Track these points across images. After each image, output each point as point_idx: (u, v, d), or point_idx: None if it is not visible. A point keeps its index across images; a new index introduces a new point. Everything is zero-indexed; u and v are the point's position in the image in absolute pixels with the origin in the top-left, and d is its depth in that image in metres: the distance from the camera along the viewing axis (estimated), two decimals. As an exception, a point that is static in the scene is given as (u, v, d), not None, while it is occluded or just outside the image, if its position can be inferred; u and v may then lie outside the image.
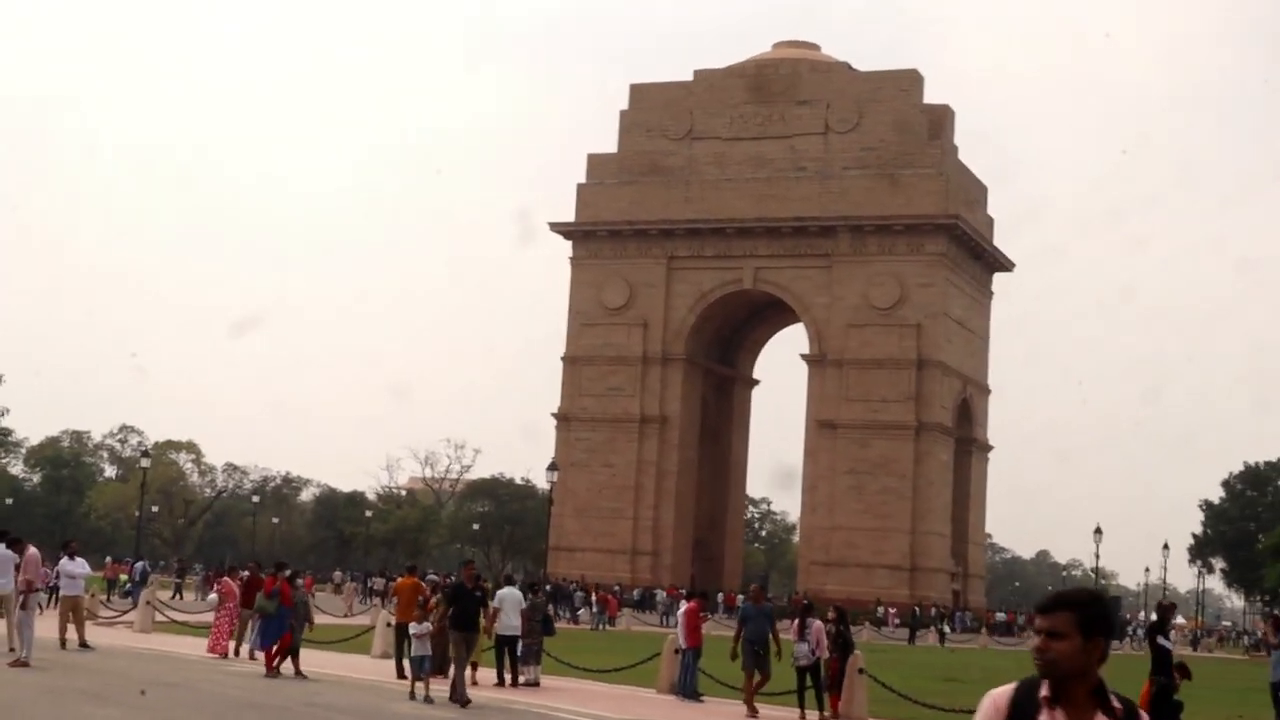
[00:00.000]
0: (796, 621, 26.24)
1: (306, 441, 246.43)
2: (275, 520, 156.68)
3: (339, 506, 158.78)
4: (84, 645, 31.73)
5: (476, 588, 26.65)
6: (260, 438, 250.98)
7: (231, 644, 33.10)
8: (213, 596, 35.11)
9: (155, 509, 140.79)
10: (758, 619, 26.77)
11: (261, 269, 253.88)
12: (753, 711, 25.52)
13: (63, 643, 31.57)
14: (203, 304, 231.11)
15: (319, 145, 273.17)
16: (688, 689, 28.14)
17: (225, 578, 36.78)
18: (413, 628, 26.37)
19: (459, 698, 24.29)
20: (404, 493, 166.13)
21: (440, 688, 25.27)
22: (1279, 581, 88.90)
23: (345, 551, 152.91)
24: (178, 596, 64.43)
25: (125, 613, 46.47)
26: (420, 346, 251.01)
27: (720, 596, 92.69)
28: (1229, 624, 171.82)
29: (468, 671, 29.59)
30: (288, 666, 28.52)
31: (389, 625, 34.62)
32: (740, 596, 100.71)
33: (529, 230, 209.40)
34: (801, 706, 25.59)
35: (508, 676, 29.06)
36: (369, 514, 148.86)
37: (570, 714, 23.79)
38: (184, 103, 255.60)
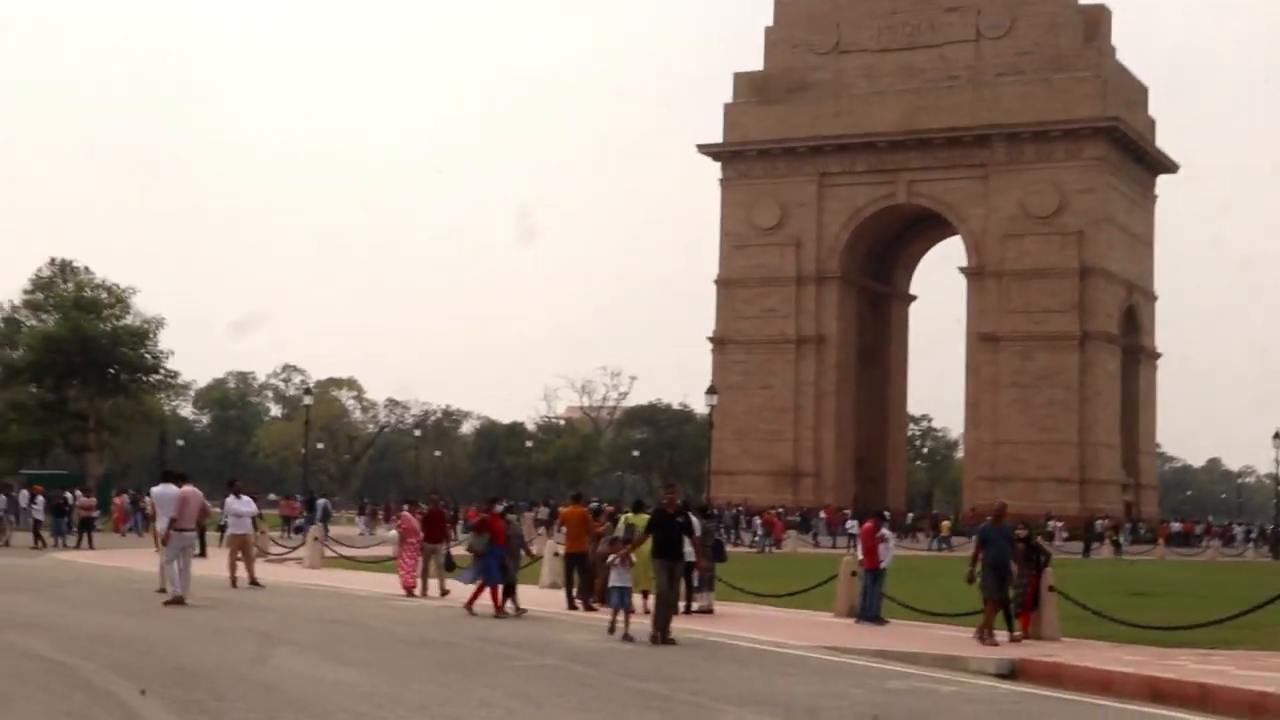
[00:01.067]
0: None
1: (465, 375, 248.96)
2: (437, 454, 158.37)
3: (499, 438, 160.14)
4: (254, 583, 31.69)
5: (679, 513, 23.90)
6: (419, 373, 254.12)
7: (419, 581, 31.83)
8: (393, 533, 33.95)
9: (320, 446, 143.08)
10: (998, 541, 24.38)
11: (395, 206, 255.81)
12: (992, 639, 23.54)
13: (233, 581, 31.56)
14: (360, 240, 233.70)
15: (438, 76, 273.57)
16: (869, 612, 27.12)
17: (405, 512, 35.00)
18: (611, 557, 25.03)
19: (662, 635, 22.35)
20: (563, 422, 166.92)
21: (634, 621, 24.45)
22: None
23: (507, 482, 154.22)
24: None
25: (295, 549, 46.74)
26: (574, 275, 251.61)
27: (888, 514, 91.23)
28: None
29: (639, 600, 28.98)
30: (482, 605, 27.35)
31: (556, 555, 34.13)
32: (910, 514, 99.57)
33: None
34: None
35: (681, 605, 28.29)
36: (529, 444, 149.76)
37: (754, 642, 22.83)
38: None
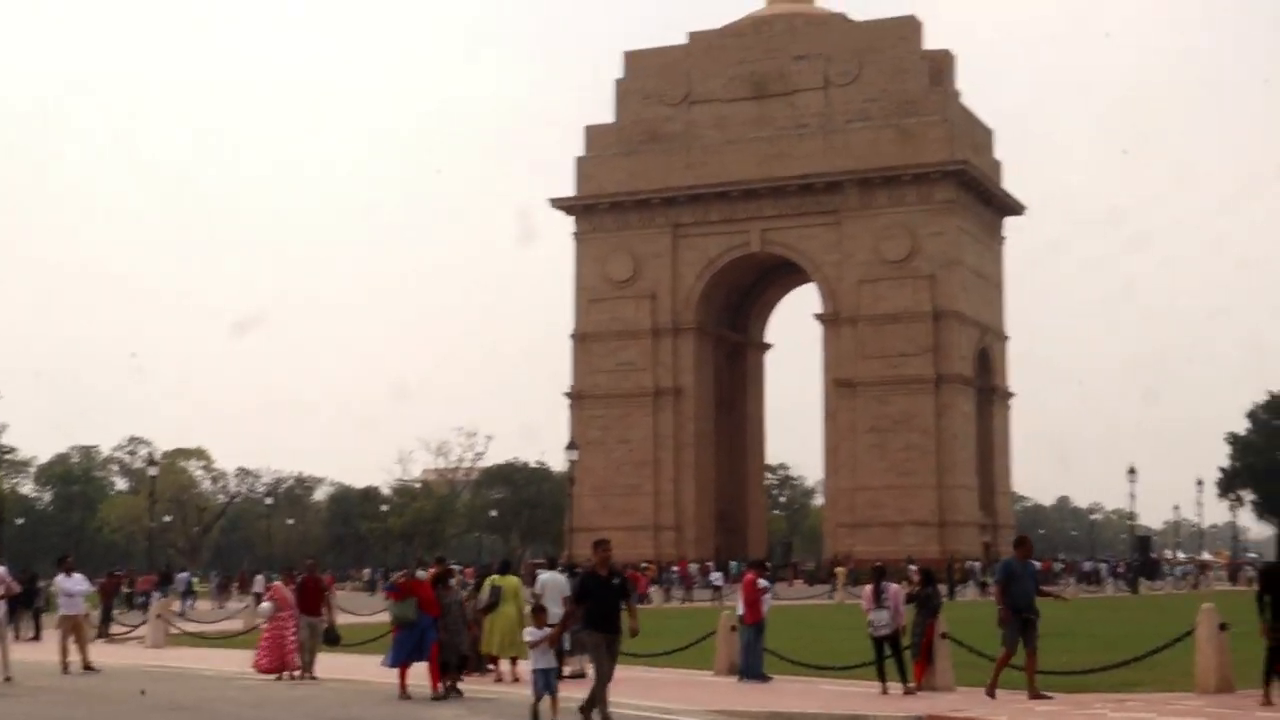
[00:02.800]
0: (870, 587, 23.78)
1: (318, 440, 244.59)
2: (290, 521, 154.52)
3: (354, 503, 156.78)
4: (88, 668, 29.24)
5: (613, 575, 19.89)
6: (270, 440, 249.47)
7: (298, 657, 28.13)
8: (266, 605, 29.58)
9: (168, 518, 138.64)
10: (1024, 579, 22.26)
11: (259, 267, 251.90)
12: (993, 692, 21.64)
13: (64, 666, 29.18)
14: (201, 305, 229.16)
15: (314, 139, 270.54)
16: (752, 669, 25.67)
17: (277, 583, 30.78)
18: (528, 634, 21.01)
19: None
20: (419, 485, 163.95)
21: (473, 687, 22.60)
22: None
23: (363, 548, 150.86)
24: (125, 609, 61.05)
25: (136, 628, 44.11)
26: (426, 337, 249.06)
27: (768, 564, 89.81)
28: (1255, 555, 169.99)
29: (507, 666, 27.19)
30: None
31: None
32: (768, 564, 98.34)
33: (528, 230, 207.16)
34: (882, 679, 23.14)
35: (552, 668, 26.64)
36: (385, 508, 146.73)
37: (638, 709, 21.11)
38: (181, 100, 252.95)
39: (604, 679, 19.29)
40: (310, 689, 25.76)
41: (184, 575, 70.57)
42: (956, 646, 23.97)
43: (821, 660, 26.97)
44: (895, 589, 23.68)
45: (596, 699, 19.32)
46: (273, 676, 27.93)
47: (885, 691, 22.87)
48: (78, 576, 30.08)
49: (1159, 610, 55.59)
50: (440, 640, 24.49)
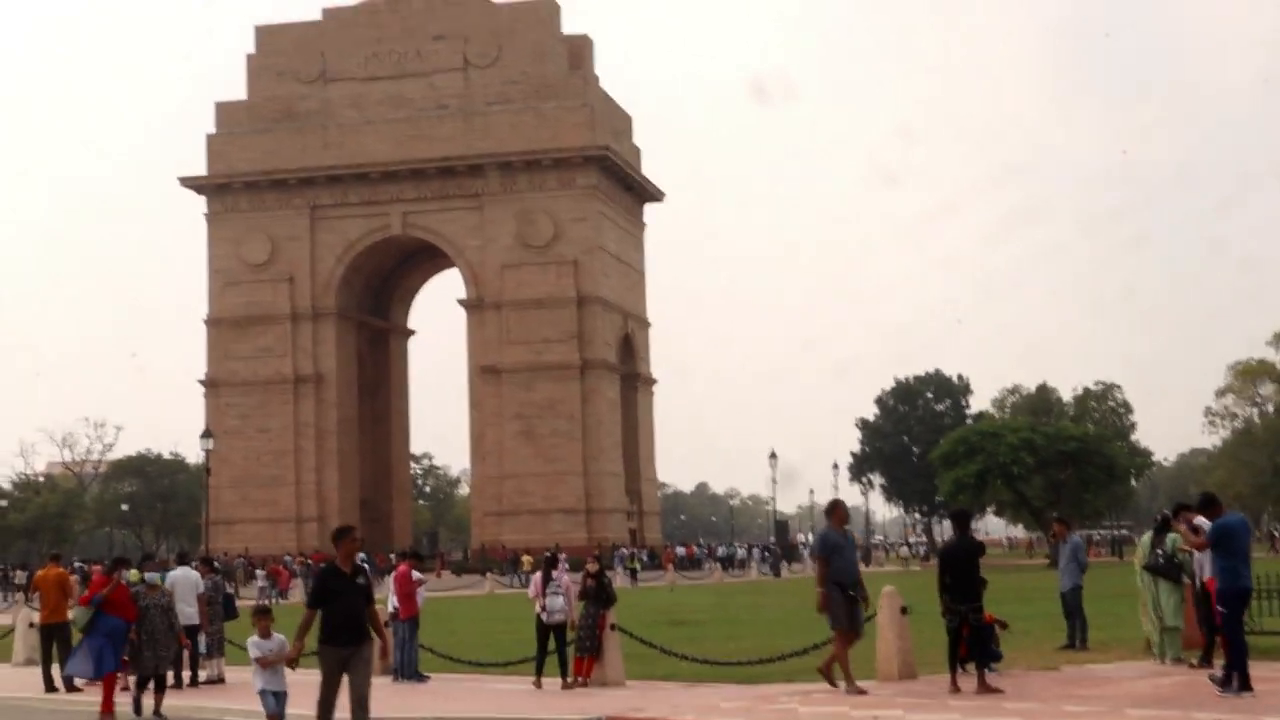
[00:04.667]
0: (539, 575, 22.31)
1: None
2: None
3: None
4: None
5: (356, 573, 15.86)
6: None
7: None
8: None
9: None
10: (847, 550, 19.02)
11: None
12: (856, 688, 18.24)
13: None
14: None
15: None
16: (408, 668, 23.91)
17: None
18: (254, 644, 17.16)
19: None
20: (42, 478, 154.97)
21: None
22: (952, 490, 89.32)
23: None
24: None
25: None
26: (51, 319, 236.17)
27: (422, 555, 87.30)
28: (882, 537, 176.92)
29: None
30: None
31: (32, 626, 29.29)
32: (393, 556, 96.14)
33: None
34: (539, 673, 21.62)
35: (186, 674, 24.28)
36: (3, 504, 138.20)
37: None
38: None
39: (361, 701, 15.55)
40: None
41: None
42: (624, 637, 22.68)
43: (480, 656, 25.40)
44: (567, 579, 22.28)
45: None
46: None
47: (539, 686, 21.35)
48: None
49: (805, 593, 56.09)
50: (136, 649, 20.93)
